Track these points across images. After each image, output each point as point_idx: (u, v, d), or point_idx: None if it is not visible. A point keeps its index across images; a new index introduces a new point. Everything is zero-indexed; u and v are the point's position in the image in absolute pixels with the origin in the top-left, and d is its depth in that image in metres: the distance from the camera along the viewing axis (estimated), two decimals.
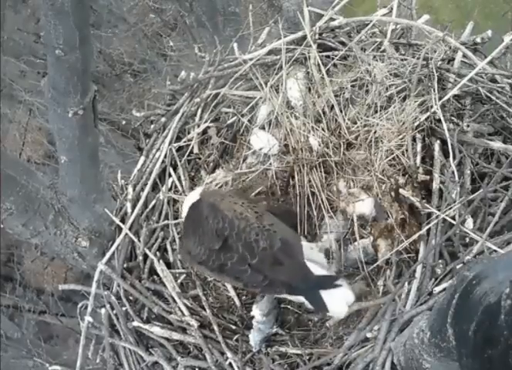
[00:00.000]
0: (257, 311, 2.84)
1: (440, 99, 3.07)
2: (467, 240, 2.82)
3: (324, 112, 3.22)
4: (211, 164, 3.38)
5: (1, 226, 3.14)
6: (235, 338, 2.93)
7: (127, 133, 8.41)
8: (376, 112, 3.15)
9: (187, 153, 3.46)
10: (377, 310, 2.74)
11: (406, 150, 3.04)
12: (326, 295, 2.49)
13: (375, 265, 2.88)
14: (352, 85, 3.24)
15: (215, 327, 2.92)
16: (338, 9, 3.58)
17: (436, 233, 2.81)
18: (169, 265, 3.21)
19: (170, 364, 2.99)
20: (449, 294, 1.75)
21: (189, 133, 3.50)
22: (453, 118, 3.13)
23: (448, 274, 2.71)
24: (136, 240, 3.25)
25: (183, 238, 3.06)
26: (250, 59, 3.47)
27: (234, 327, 2.96)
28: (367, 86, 3.21)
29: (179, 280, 3.16)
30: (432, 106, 3.06)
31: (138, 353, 3.06)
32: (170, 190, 3.38)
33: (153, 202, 3.36)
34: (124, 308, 3.11)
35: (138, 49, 10.92)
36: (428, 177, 2.96)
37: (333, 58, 3.38)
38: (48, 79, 2.83)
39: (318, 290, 2.49)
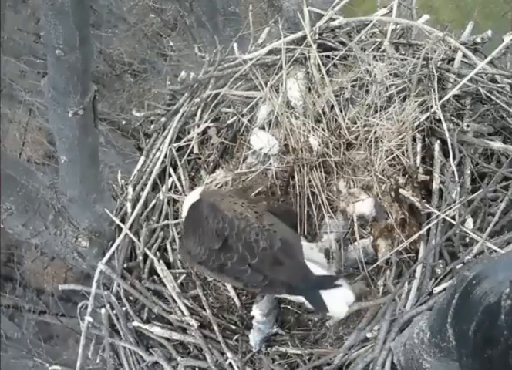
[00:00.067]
0: (257, 311, 2.84)
1: (440, 99, 3.07)
2: (467, 240, 2.82)
3: (324, 112, 3.22)
4: (211, 164, 3.38)
5: (1, 226, 3.14)
6: (235, 338, 2.93)
7: (127, 133, 8.41)
8: (376, 112, 3.15)
9: (187, 153, 3.45)
10: (377, 310, 2.74)
11: (406, 150, 3.04)
12: (326, 295, 2.49)
13: (375, 265, 2.88)
14: (352, 85, 3.24)
15: (215, 327, 2.92)
16: (338, 9, 3.59)
17: (436, 233, 2.81)
18: (169, 265, 3.22)
19: (170, 364, 2.99)
20: (449, 294, 1.75)
21: (189, 133, 3.50)
22: (453, 118, 3.13)
23: (448, 274, 2.71)
24: (136, 240, 3.25)
25: (183, 238, 3.06)
26: (250, 59, 3.47)
27: (234, 327, 2.96)
28: (367, 86, 3.21)
29: (179, 280, 3.16)
30: (432, 106, 3.06)
31: (138, 353, 3.06)
32: (170, 190, 3.38)
33: (153, 202, 3.36)
34: (124, 308, 3.11)
35: (138, 49, 10.92)
36: (428, 177, 2.96)
37: (333, 58, 3.38)
38: (48, 79, 2.83)
39: (318, 291, 2.49)
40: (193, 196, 2.88)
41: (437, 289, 2.67)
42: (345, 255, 2.97)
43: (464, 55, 3.31)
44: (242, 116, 3.38)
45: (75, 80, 2.74)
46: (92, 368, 3.86)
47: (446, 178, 2.91)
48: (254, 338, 2.86)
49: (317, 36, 3.43)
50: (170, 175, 3.42)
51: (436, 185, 2.93)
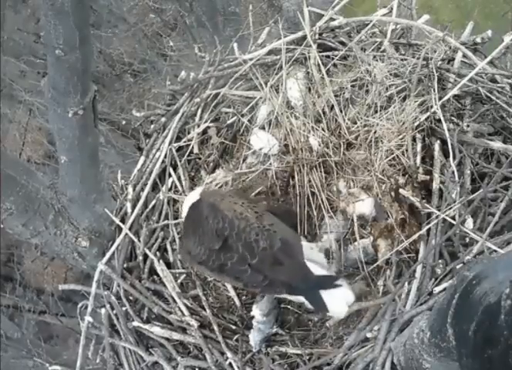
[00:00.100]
0: (257, 311, 2.84)
1: (440, 99, 3.07)
2: (467, 240, 2.82)
3: (324, 112, 3.22)
4: (211, 164, 3.38)
5: (1, 226, 3.14)
6: (235, 338, 2.93)
7: (127, 133, 8.41)
8: (376, 112, 3.15)
9: (187, 153, 3.45)
10: (377, 310, 2.74)
11: (406, 150, 3.04)
12: (326, 295, 2.49)
13: (375, 265, 2.88)
14: (352, 85, 3.24)
15: (215, 327, 2.92)
16: (338, 9, 3.58)
17: (436, 233, 2.81)
18: (169, 265, 3.21)
19: (170, 364, 2.99)
20: (449, 294, 1.75)
21: (189, 133, 3.50)
22: (453, 118, 3.13)
23: (448, 274, 2.70)
24: (136, 240, 3.25)
25: (183, 238, 3.06)
26: (250, 59, 3.47)
27: (234, 327, 2.96)
28: (367, 86, 3.21)
29: (179, 280, 3.16)
30: (432, 106, 3.06)
31: (138, 353, 3.06)
32: (170, 190, 3.38)
33: (153, 202, 3.36)
34: (124, 308, 3.11)
35: (138, 49, 10.92)
36: (428, 177, 2.96)
37: (333, 58, 3.38)
38: (48, 79, 2.83)
39: (318, 290, 2.49)
40: (193, 197, 2.88)
41: (437, 289, 2.67)
42: (345, 255, 2.97)
43: (464, 55, 3.31)
44: (242, 116, 3.38)
45: (75, 80, 2.74)
46: (92, 368, 3.86)
47: (446, 178, 2.91)
48: (254, 338, 2.86)
49: (317, 36, 3.43)
50: (170, 175, 3.42)
51: (436, 185, 2.93)
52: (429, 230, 2.82)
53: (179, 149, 3.48)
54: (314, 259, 2.68)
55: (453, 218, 2.80)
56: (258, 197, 3.17)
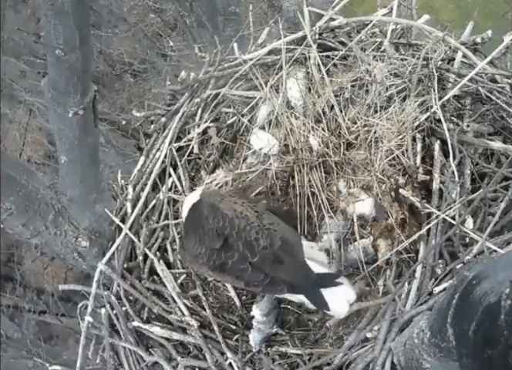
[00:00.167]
0: (257, 311, 2.84)
1: (440, 99, 3.07)
2: (467, 240, 2.82)
3: (324, 112, 3.22)
4: (211, 164, 3.38)
5: (1, 226, 3.14)
6: (235, 338, 2.93)
7: (127, 133, 8.40)
8: (376, 112, 3.15)
9: (187, 153, 3.45)
10: (377, 310, 2.74)
11: (406, 150, 3.04)
12: (327, 293, 2.50)
13: (375, 265, 2.88)
14: (352, 85, 3.24)
15: (215, 327, 2.92)
16: (338, 9, 3.58)
17: (436, 233, 2.81)
18: (169, 265, 3.22)
19: (170, 364, 2.99)
20: (449, 294, 1.75)
21: (189, 133, 3.50)
22: (453, 118, 3.13)
23: (448, 274, 2.71)
24: (136, 240, 3.25)
25: (183, 239, 3.06)
26: (251, 59, 3.47)
27: (234, 327, 2.96)
28: (367, 86, 3.21)
29: (179, 280, 3.16)
30: (432, 106, 3.06)
31: (138, 353, 3.06)
32: (170, 190, 3.38)
33: (153, 202, 3.36)
34: (124, 308, 3.11)
35: (138, 49, 10.92)
36: (428, 177, 2.96)
37: (333, 58, 3.38)
38: (48, 79, 2.83)
39: (319, 289, 2.49)
40: (193, 197, 2.88)
41: (437, 289, 2.67)
42: (345, 255, 2.97)
43: (464, 55, 3.31)
44: (242, 116, 3.38)
45: (75, 80, 2.74)
46: (92, 368, 3.86)
47: (446, 178, 2.91)
48: (254, 338, 2.86)
49: (317, 36, 3.43)
50: (170, 175, 3.42)
51: (436, 185, 2.93)
52: (429, 230, 2.83)
53: (179, 149, 3.48)
54: (315, 257, 2.69)
55: (453, 218, 2.80)
56: (258, 197, 3.17)
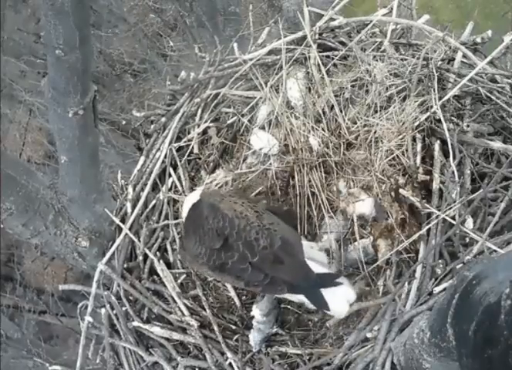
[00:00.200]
0: (257, 311, 2.84)
1: (440, 99, 3.07)
2: (467, 240, 2.82)
3: (324, 112, 3.22)
4: (211, 164, 3.38)
5: (1, 226, 3.14)
6: (235, 338, 2.93)
7: (127, 133, 8.41)
8: (376, 112, 3.15)
9: (187, 153, 3.45)
10: (377, 310, 2.74)
11: (406, 150, 3.04)
12: (327, 293, 2.50)
13: (375, 265, 2.88)
14: (351, 85, 3.24)
15: (215, 327, 2.92)
16: (338, 9, 3.58)
17: (436, 233, 2.81)
18: (169, 265, 3.21)
19: (170, 364, 2.99)
20: (449, 294, 1.75)
21: (189, 133, 3.50)
22: (453, 118, 3.13)
23: (448, 274, 2.71)
24: (136, 240, 3.25)
25: (183, 239, 3.06)
26: (250, 59, 3.47)
27: (234, 327, 2.96)
28: (367, 86, 3.21)
29: (179, 280, 3.16)
30: (432, 106, 3.06)
31: (138, 353, 3.06)
32: (170, 190, 3.38)
33: (153, 202, 3.36)
34: (124, 308, 3.11)
35: (138, 49, 10.92)
36: (428, 177, 2.96)
37: (333, 58, 3.38)
38: (48, 79, 2.83)
39: (319, 289, 2.49)
40: (193, 197, 2.88)
41: (437, 289, 2.67)
42: (345, 255, 2.97)
43: (464, 55, 3.31)
44: (242, 116, 3.38)
45: (75, 80, 2.74)
46: (92, 368, 3.86)
47: (446, 178, 2.91)
48: (254, 338, 2.86)
49: (317, 36, 3.43)
50: (170, 175, 3.42)
51: (436, 185, 2.93)
52: (429, 230, 2.83)
53: (179, 149, 3.48)
54: (315, 257, 2.69)
55: (453, 218, 2.80)
56: (258, 197, 3.17)
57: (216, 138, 3.41)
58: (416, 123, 3.06)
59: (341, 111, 3.19)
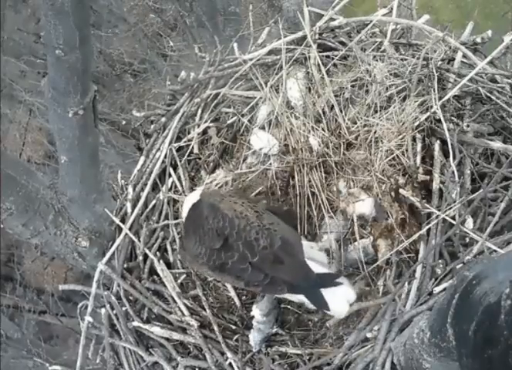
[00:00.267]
0: (257, 311, 2.84)
1: (440, 99, 3.07)
2: (467, 240, 2.82)
3: (324, 112, 3.22)
4: (211, 164, 3.38)
5: (1, 226, 3.14)
6: (235, 338, 2.93)
7: (127, 133, 8.41)
8: (376, 112, 3.15)
9: (187, 153, 3.45)
10: (377, 310, 2.74)
11: (406, 150, 3.04)
12: (327, 293, 2.50)
13: (375, 265, 2.88)
14: (352, 85, 3.24)
15: (215, 327, 2.92)
16: (338, 9, 3.58)
17: (436, 233, 2.81)
18: (169, 265, 3.22)
19: (170, 364, 2.99)
20: (449, 294, 1.75)
21: (189, 133, 3.50)
22: (453, 118, 3.13)
23: (448, 274, 2.71)
24: (136, 240, 3.25)
25: (183, 239, 3.06)
26: (251, 59, 3.47)
27: (234, 327, 2.96)
28: (367, 86, 3.21)
29: (179, 280, 3.16)
30: (432, 106, 3.06)
31: (138, 353, 3.06)
32: (170, 190, 3.38)
33: (153, 202, 3.36)
34: (124, 308, 3.11)
35: (138, 49, 10.92)
36: (428, 177, 2.96)
37: (333, 58, 3.38)
38: (48, 79, 2.83)
39: (319, 289, 2.49)
40: (193, 197, 2.88)
41: (437, 289, 2.67)
42: (345, 255, 2.97)
43: (464, 55, 3.31)
44: (242, 116, 3.38)
45: (75, 80, 2.74)
46: (92, 368, 3.86)
47: (446, 178, 2.91)
48: (254, 338, 2.86)
49: (317, 36, 3.43)
50: (170, 175, 3.42)
51: (436, 185, 2.93)
52: (429, 230, 2.83)
53: (179, 149, 3.48)
54: (315, 257, 2.69)
55: (453, 218, 2.80)
56: (258, 197, 3.17)
57: (216, 138, 3.41)
58: (416, 123, 3.06)
59: (341, 111, 3.19)
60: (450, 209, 2.81)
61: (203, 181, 3.35)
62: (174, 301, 3.06)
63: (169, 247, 3.24)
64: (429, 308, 2.57)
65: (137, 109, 3.76)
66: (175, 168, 3.45)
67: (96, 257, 3.33)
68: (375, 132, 3.10)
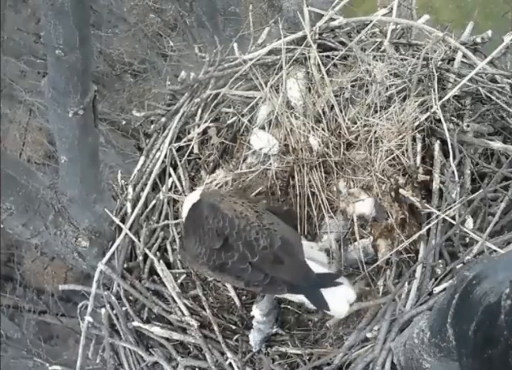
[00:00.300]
0: (257, 311, 2.84)
1: (440, 99, 3.07)
2: (467, 240, 2.82)
3: (324, 112, 3.22)
4: (211, 164, 3.38)
5: (1, 226, 3.14)
6: (235, 338, 2.93)
7: (127, 133, 8.41)
8: (376, 112, 3.15)
9: (187, 153, 3.46)
10: (377, 310, 2.74)
11: (406, 150, 3.04)
12: (327, 293, 2.49)
13: (375, 265, 2.88)
14: (352, 85, 3.24)
15: (215, 327, 2.92)
16: (338, 9, 3.58)
17: (436, 233, 2.81)
18: (169, 265, 3.22)
19: (170, 364, 2.99)
20: (449, 294, 1.75)
21: (189, 133, 3.50)
22: (453, 118, 3.13)
23: (448, 274, 2.71)
24: (136, 240, 3.25)
25: (183, 239, 3.06)
26: (250, 59, 3.47)
27: (234, 327, 2.96)
28: (367, 86, 3.21)
29: (179, 280, 3.16)
30: (432, 106, 3.06)
31: (138, 353, 3.06)
32: (170, 190, 3.38)
33: (153, 202, 3.36)
34: (124, 308, 3.11)
35: (138, 49, 10.92)
36: (428, 177, 2.96)
37: (333, 58, 3.38)
38: (48, 79, 2.83)
39: (319, 289, 2.49)
40: (193, 197, 2.88)
41: (437, 289, 2.67)
42: (345, 255, 2.97)
43: (464, 55, 3.31)
44: (242, 116, 3.38)
45: (75, 80, 2.74)
46: (92, 368, 3.86)
47: (446, 178, 2.91)
48: (254, 338, 2.86)
49: (317, 36, 3.43)
50: (170, 175, 3.42)
51: (436, 185, 2.93)
52: (429, 230, 2.83)
53: (179, 149, 3.48)
54: (315, 257, 2.69)
55: (453, 218, 2.80)
56: (258, 197, 3.17)
57: (216, 138, 3.41)
58: (416, 123, 3.06)
59: (341, 111, 3.19)
60: (450, 209, 2.81)
61: (203, 181, 3.35)
62: (174, 301, 3.06)
63: (169, 247, 3.24)
64: (429, 308, 2.57)
65: (137, 109, 3.76)
66: (175, 168, 3.45)
67: (96, 257, 3.33)
68: (375, 132, 3.10)
